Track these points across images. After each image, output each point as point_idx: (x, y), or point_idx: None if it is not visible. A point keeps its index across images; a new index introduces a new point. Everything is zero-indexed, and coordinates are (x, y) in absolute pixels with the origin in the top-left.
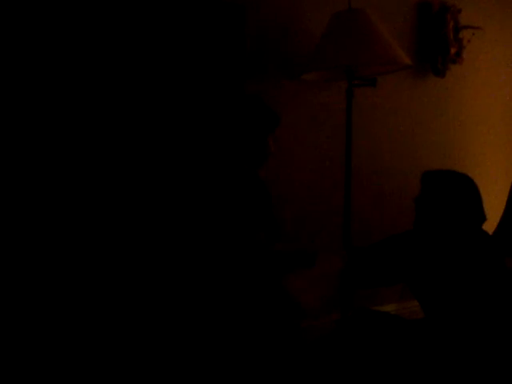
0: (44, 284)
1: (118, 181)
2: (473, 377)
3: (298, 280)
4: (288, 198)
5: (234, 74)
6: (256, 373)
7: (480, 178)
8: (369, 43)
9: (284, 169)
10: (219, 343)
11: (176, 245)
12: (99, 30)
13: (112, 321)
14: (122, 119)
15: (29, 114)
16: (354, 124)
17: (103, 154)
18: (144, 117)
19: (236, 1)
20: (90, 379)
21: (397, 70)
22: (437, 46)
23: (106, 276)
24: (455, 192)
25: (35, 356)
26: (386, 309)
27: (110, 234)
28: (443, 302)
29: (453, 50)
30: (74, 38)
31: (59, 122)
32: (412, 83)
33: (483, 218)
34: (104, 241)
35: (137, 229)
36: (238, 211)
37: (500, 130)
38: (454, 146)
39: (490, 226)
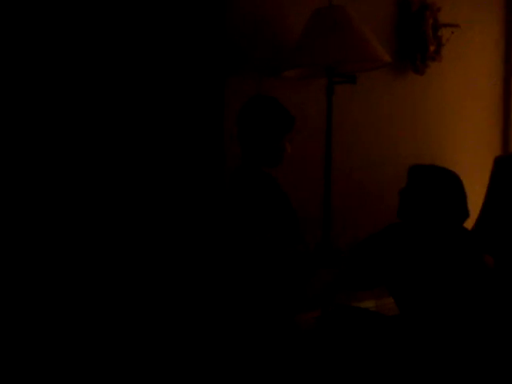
0: (28, 283)
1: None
2: (451, 372)
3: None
4: None
5: (215, 70)
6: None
7: (459, 174)
8: (349, 40)
9: None
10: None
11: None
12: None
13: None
14: (101, 118)
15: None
16: (334, 121)
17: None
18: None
19: None
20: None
21: (377, 68)
22: (416, 44)
23: (105, 276)
24: (441, 187)
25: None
26: (366, 305)
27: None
28: (419, 299)
29: (432, 48)
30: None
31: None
32: (392, 80)
33: (466, 215)
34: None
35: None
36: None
37: (478, 126)
38: (433, 142)
39: (468, 222)
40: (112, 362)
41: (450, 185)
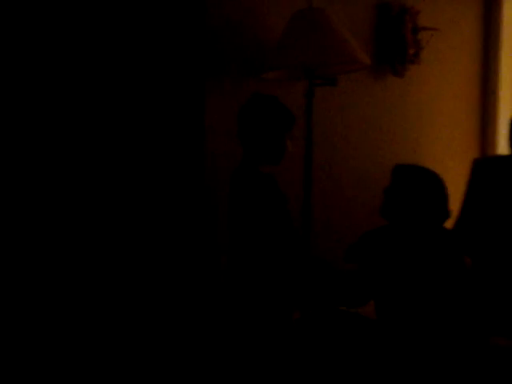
0: None
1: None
2: (430, 372)
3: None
4: None
5: (195, 71)
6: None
7: None
8: (329, 42)
9: None
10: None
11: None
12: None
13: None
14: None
15: None
16: (314, 123)
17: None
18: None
19: None
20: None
21: (357, 70)
22: (396, 47)
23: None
24: (423, 187)
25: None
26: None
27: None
28: (398, 301)
29: (411, 51)
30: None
31: None
32: (372, 83)
33: (447, 215)
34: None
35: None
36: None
37: (457, 128)
38: (412, 144)
39: (447, 224)
40: (109, 361)
41: (433, 185)
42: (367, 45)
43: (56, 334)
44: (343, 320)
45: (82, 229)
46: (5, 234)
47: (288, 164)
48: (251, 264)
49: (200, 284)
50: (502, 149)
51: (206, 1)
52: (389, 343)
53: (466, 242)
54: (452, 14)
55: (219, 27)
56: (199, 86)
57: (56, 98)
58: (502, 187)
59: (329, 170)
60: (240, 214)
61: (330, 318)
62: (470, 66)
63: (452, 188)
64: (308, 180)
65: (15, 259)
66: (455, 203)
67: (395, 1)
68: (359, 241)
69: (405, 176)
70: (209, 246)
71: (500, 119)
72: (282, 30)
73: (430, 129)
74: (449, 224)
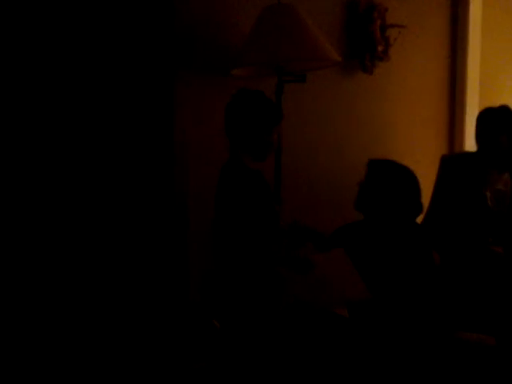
0: None
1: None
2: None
3: None
4: (210, 195)
5: (164, 69)
6: None
7: None
8: (298, 39)
9: (210, 166)
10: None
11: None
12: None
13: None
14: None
15: None
16: (283, 119)
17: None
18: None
19: None
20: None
21: (326, 67)
22: (364, 44)
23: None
24: (397, 181)
25: None
26: None
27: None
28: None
29: (380, 48)
30: None
31: None
32: (341, 79)
33: (420, 209)
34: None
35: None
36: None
37: (425, 125)
38: (380, 140)
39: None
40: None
41: (406, 179)
42: (337, 41)
43: (41, 330)
44: (318, 318)
45: (48, 222)
46: None
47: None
48: (235, 257)
49: (169, 278)
50: (469, 145)
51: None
52: (360, 339)
53: (434, 238)
54: (419, 11)
55: (187, 24)
56: (168, 83)
57: (27, 89)
58: (469, 184)
59: (298, 165)
60: (226, 208)
61: (305, 317)
62: (438, 63)
63: (421, 184)
64: (277, 176)
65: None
66: (424, 199)
67: None
68: (332, 236)
69: (379, 170)
70: (179, 240)
71: (468, 115)
72: (250, 26)
73: (399, 125)
74: (419, 219)
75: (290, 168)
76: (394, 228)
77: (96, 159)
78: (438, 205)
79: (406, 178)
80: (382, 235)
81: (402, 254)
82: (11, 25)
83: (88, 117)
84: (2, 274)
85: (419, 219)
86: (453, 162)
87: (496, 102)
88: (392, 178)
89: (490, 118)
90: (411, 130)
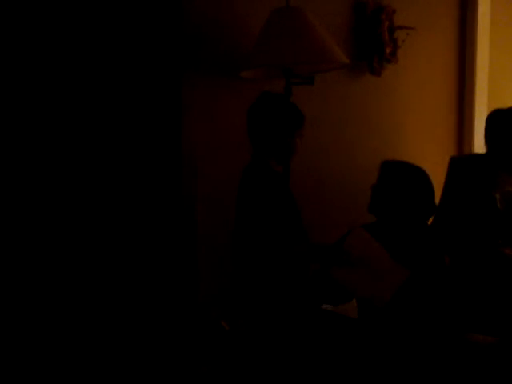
0: None
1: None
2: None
3: None
4: (219, 197)
5: (172, 70)
6: None
7: None
8: (306, 41)
9: (219, 168)
10: None
11: None
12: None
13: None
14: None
15: None
16: None
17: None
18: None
19: None
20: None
21: (334, 69)
22: (373, 46)
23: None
24: (411, 183)
25: None
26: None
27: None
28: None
29: (388, 50)
30: None
31: None
32: (349, 81)
33: (434, 210)
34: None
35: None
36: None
37: (434, 127)
38: (389, 142)
39: None
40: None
41: (420, 181)
42: (345, 43)
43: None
44: (326, 320)
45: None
46: None
47: None
48: (256, 259)
49: (178, 280)
50: (478, 147)
51: (182, 1)
52: (370, 341)
53: (443, 240)
54: (428, 13)
55: (196, 26)
56: (176, 84)
57: (35, 96)
58: (478, 185)
59: (306, 168)
60: (248, 209)
61: (314, 318)
62: (447, 65)
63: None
64: (286, 175)
65: None
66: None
67: (371, 0)
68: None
69: (393, 172)
70: (188, 242)
71: (477, 117)
72: (259, 28)
73: (407, 127)
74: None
75: (299, 170)
76: (405, 230)
77: (103, 162)
78: (447, 207)
79: (419, 179)
80: (394, 237)
81: (412, 255)
82: (25, 26)
83: (94, 120)
84: (8, 273)
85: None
86: (462, 164)
87: (505, 104)
88: (406, 179)
89: (500, 120)
90: (420, 132)
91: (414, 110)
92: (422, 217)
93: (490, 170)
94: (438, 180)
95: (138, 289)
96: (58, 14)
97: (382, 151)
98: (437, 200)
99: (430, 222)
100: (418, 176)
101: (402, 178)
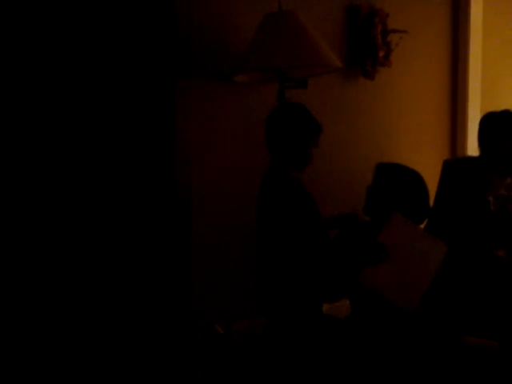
0: None
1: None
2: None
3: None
4: (213, 202)
5: (166, 75)
6: None
7: None
8: (299, 45)
9: (212, 171)
10: None
11: None
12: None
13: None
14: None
15: None
16: None
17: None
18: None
19: (167, 1)
20: None
21: (327, 72)
22: (366, 49)
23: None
24: (405, 185)
25: None
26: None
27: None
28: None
29: (381, 53)
30: None
31: None
32: (342, 85)
33: (427, 213)
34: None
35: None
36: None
37: (427, 130)
38: (383, 145)
39: None
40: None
41: (415, 183)
42: (338, 47)
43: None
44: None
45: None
46: None
47: (259, 166)
48: (279, 261)
49: (172, 284)
50: (472, 149)
51: (175, 6)
52: (362, 342)
53: None
54: (420, 16)
55: (190, 31)
56: (169, 89)
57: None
58: (472, 188)
59: None
60: (269, 214)
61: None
62: (440, 68)
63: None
64: None
65: None
66: None
67: (364, 3)
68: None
69: (387, 174)
70: (182, 246)
71: (470, 120)
72: (252, 33)
73: (401, 130)
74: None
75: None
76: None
77: (97, 166)
78: (440, 209)
79: (414, 181)
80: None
81: None
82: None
83: (88, 124)
84: (4, 274)
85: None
86: (455, 167)
87: (498, 106)
88: (401, 181)
89: (493, 123)
90: (413, 135)
91: (408, 113)
92: (416, 219)
93: (483, 172)
94: (431, 183)
95: (131, 293)
96: (53, 18)
97: (375, 154)
98: (430, 203)
99: (423, 224)
100: (413, 178)
101: (397, 179)
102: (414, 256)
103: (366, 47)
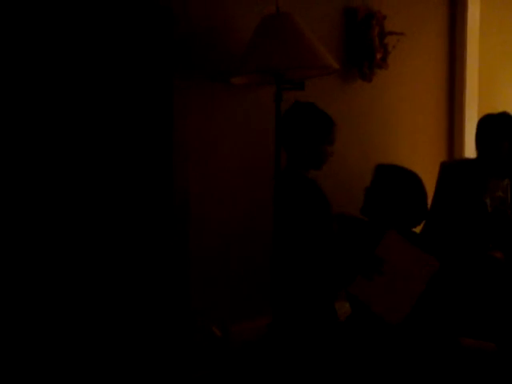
0: None
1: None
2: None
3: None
4: (211, 203)
5: (162, 76)
6: None
7: None
8: (297, 47)
9: (210, 173)
10: None
11: None
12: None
13: None
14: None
15: None
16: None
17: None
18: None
19: (164, 3)
20: None
21: (325, 74)
22: (363, 52)
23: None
24: (404, 186)
25: None
26: None
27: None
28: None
29: (378, 56)
30: None
31: None
32: (340, 87)
33: (425, 215)
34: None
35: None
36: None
37: (424, 132)
38: (380, 147)
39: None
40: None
41: (413, 185)
42: (335, 49)
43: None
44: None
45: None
46: None
47: (257, 168)
48: (294, 259)
49: (170, 285)
50: (469, 152)
51: (173, 8)
52: (362, 343)
53: (434, 244)
54: (417, 18)
55: (187, 33)
56: (167, 91)
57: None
58: (469, 190)
59: None
60: (284, 214)
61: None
62: (437, 70)
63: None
64: (277, 183)
65: None
66: None
67: (362, 5)
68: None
69: (386, 175)
70: (180, 247)
71: (467, 122)
72: (250, 35)
73: (398, 132)
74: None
75: None
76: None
77: (94, 168)
78: (438, 211)
79: (413, 183)
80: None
81: None
82: (15, 35)
83: (85, 126)
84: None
85: (419, 226)
86: (452, 169)
87: (495, 108)
88: (399, 182)
89: (491, 125)
90: (410, 137)
91: (405, 116)
92: (414, 221)
93: (481, 175)
94: (428, 185)
95: (128, 295)
96: (51, 21)
97: (372, 156)
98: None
99: (420, 227)
100: (412, 180)
101: (396, 181)
102: (405, 273)
103: (364, 49)
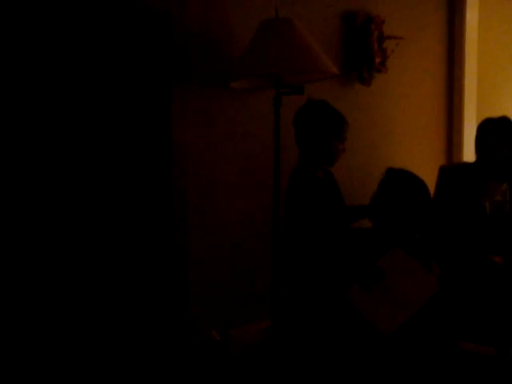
0: None
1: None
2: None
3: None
4: (210, 208)
5: (161, 81)
6: None
7: None
8: (296, 52)
9: (209, 178)
10: None
11: None
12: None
13: None
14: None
15: None
16: (282, 132)
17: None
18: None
19: (163, 8)
20: None
21: (324, 79)
22: (362, 56)
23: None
24: (410, 193)
25: None
26: None
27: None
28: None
29: (377, 60)
30: None
31: None
32: (339, 91)
33: (428, 222)
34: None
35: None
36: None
37: (423, 136)
38: (379, 152)
39: None
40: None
41: (421, 192)
42: (334, 53)
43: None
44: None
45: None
46: None
47: (256, 172)
48: (297, 258)
49: (168, 289)
50: (468, 156)
51: (172, 13)
52: (361, 344)
53: (433, 248)
54: (416, 23)
55: (187, 38)
56: (166, 95)
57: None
58: (468, 194)
59: None
60: (291, 210)
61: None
62: (436, 74)
63: None
64: (276, 187)
65: None
66: None
67: (361, 10)
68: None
69: (392, 181)
70: (178, 250)
71: (466, 126)
72: (249, 39)
73: (397, 136)
74: None
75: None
76: (396, 238)
77: (93, 172)
78: (437, 215)
79: (421, 191)
80: (385, 245)
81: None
82: (15, 39)
83: (84, 131)
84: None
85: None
86: (451, 173)
87: (494, 112)
88: (408, 190)
89: (491, 129)
90: (409, 141)
91: (404, 120)
92: (417, 228)
93: (480, 178)
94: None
95: (127, 298)
96: (50, 25)
97: (371, 160)
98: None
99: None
100: (420, 189)
101: (405, 188)
102: (404, 290)
103: (363, 53)
